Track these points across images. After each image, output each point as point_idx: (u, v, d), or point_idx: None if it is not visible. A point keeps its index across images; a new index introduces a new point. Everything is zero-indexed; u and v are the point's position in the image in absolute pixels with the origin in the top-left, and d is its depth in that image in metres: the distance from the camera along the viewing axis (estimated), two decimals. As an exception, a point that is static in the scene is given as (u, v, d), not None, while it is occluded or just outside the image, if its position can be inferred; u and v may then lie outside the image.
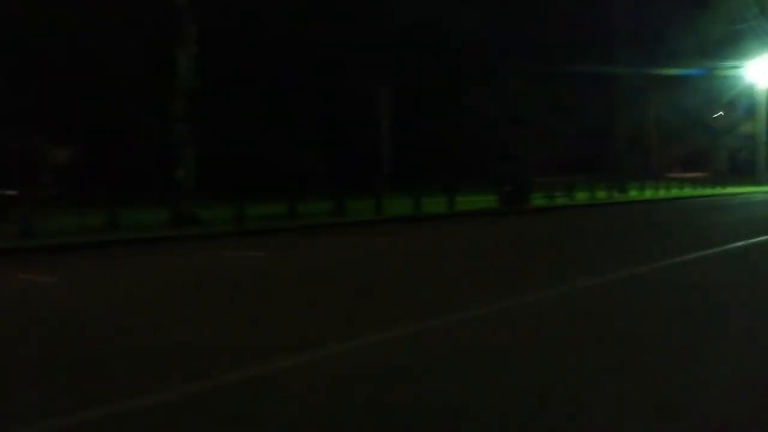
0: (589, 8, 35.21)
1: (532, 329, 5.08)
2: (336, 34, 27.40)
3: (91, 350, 4.82)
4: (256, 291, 7.58)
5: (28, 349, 5.01)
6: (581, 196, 26.98)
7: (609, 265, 8.45)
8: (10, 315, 6.55)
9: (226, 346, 4.77)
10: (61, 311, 6.59)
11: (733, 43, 49.63)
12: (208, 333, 5.25)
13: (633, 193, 31.72)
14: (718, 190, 36.41)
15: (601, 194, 28.69)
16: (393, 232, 15.54)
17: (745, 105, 52.40)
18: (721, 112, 54.60)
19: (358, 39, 27.26)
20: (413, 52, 28.23)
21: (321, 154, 26.62)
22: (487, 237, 14.55)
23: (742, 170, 51.26)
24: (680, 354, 4.30)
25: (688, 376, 3.80)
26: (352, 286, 7.68)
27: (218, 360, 4.37)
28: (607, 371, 3.93)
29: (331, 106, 27.17)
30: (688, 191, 35.13)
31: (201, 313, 6.22)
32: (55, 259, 11.21)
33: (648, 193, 31.89)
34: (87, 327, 5.74)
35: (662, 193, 32.45)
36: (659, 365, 4.05)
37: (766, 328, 5.15)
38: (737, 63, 50.15)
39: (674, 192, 33.84)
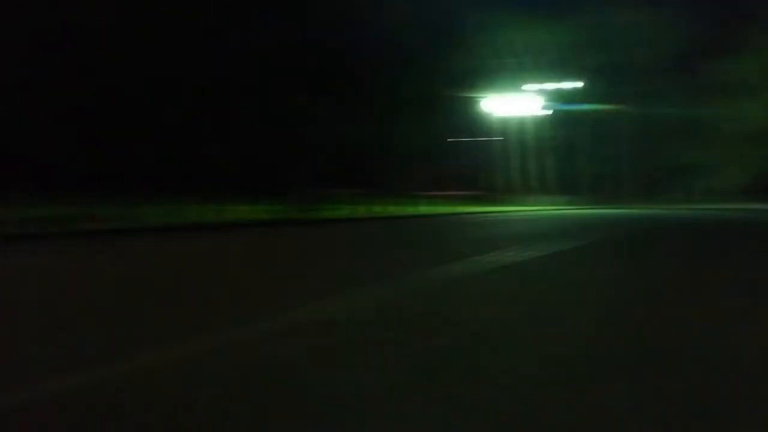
0: (352, 28, 35.99)
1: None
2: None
3: None
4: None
5: None
6: (344, 211, 27.16)
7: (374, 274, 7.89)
8: None
9: None
10: None
11: (478, 75, 54.84)
12: None
13: (391, 209, 32.83)
14: (468, 209, 39.35)
15: (363, 209, 29.19)
16: (137, 241, 13.83)
17: (485, 132, 58.05)
18: (461, 137, 59.83)
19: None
20: (186, 67, 26.49)
21: (81, 160, 23.69)
22: (252, 248, 13.49)
23: (485, 191, 56.54)
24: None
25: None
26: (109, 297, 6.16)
27: None
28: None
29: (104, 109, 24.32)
30: (447, 209, 37.66)
31: None
32: None
33: (406, 209, 33.31)
34: None
35: (421, 210, 34.17)
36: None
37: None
38: (481, 94, 55.48)
39: (440, 209, 36.11)
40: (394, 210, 31.91)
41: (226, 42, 28.15)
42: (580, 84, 57.77)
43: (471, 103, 54.49)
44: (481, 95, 54.61)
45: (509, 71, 57.65)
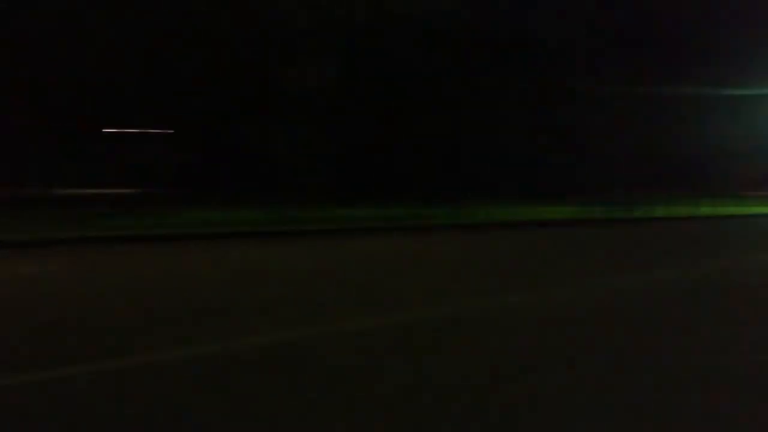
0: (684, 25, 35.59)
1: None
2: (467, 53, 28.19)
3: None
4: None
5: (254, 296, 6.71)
6: (675, 210, 27.84)
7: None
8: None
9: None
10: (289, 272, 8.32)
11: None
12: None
13: (732, 209, 32.08)
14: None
15: (692, 209, 29.38)
16: (501, 232, 16.99)
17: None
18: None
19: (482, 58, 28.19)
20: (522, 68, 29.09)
21: (446, 165, 27.83)
22: (606, 240, 15.75)
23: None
24: None
25: None
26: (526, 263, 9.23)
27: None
28: None
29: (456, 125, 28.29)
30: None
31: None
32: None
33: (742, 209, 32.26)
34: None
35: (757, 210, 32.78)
36: None
37: None
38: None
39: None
40: (721, 210, 31.16)
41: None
42: None
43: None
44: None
45: None
